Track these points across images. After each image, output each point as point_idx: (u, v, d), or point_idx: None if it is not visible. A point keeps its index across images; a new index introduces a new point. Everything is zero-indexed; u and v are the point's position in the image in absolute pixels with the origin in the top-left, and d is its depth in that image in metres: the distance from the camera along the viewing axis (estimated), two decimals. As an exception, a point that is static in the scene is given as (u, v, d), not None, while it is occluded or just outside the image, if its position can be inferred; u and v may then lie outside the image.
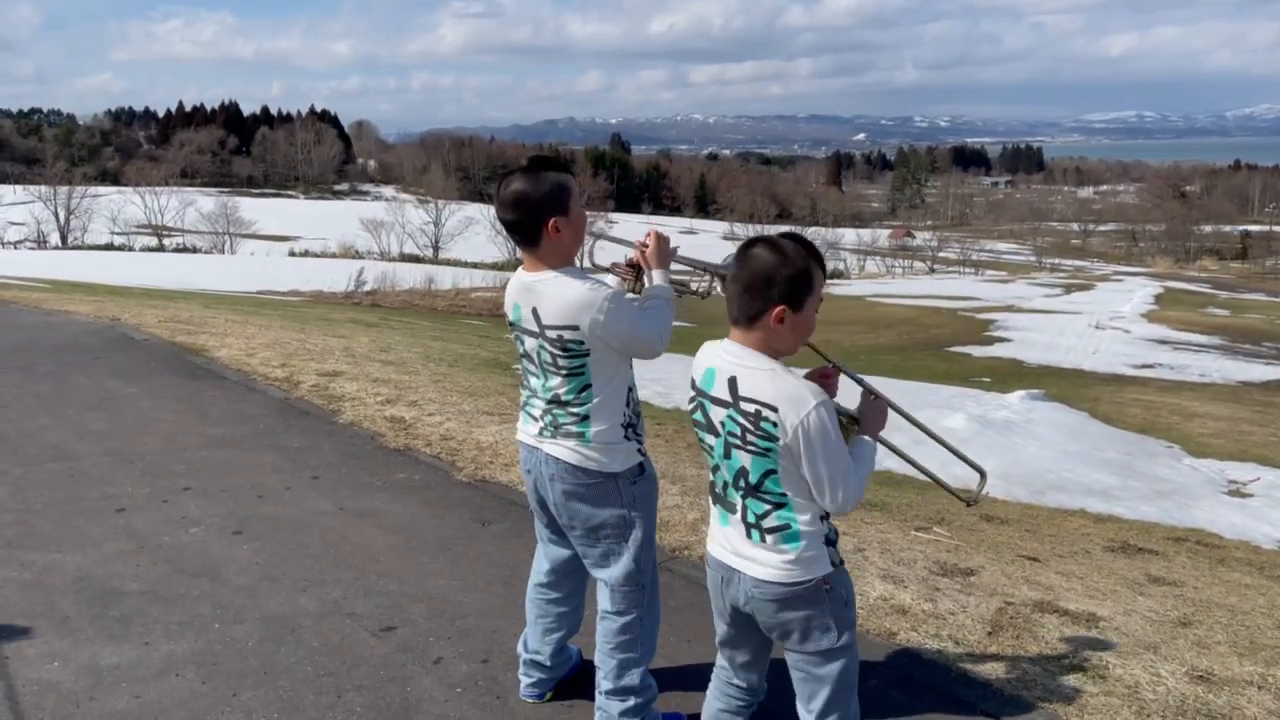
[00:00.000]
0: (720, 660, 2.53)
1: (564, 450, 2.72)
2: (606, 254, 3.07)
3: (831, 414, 2.17)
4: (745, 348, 2.22)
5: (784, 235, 2.24)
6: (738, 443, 2.22)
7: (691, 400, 2.34)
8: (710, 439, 2.30)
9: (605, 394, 2.69)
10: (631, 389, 2.78)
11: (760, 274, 2.16)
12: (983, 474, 2.77)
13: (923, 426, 2.80)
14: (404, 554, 4.23)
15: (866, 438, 2.35)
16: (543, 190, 2.61)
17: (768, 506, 2.24)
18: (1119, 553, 5.24)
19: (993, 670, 3.31)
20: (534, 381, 2.79)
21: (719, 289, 2.83)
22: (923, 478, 2.92)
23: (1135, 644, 3.61)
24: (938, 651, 3.44)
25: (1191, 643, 3.71)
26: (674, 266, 2.88)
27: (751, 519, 2.26)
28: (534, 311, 2.68)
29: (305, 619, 3.58)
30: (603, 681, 2.84)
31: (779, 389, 2.15)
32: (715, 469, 2.33)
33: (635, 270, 2.84)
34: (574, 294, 2.60)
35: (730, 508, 2.31)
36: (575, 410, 2.70)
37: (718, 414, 2.25)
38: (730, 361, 2.23)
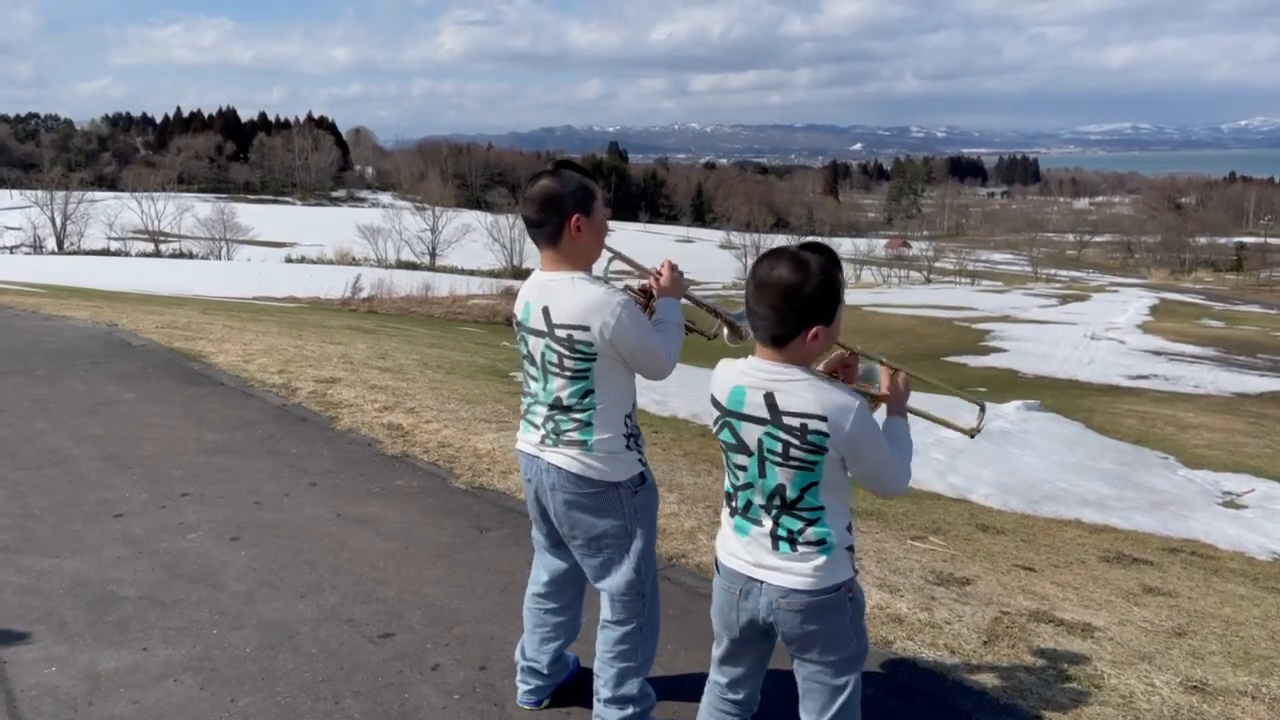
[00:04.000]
0: (714, 676, 2.51)
1: (565, 459, 2.72)
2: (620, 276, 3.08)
3: (869, 412, 2.20)
4: (775, 363, 2.19)
5: (802, 247, 2.20)
6: (778, 459, 2.19)
7: (717, 420, 2.29)
8: (742, 458, 2.26)
9: (608, 402, 2.69)
10: (633, 403, 2.79)
11: (790, 297, 2.12)
12: (982, 406, 2.81)
13: (925, 379, 2.86)
14: (402, 561, 4.23)
15: (898, 417, 2.38)
16: (568, 188, 2.65)
17: (803, 523, 2.23)
18: (1114, 563, 5.26)
19: (988, 679, 3.33)
20: (534, 385, 2.79)
21: (725, 335, 2.86)
22: (918, 487, 2.94)
23: (1130, 654, 3.63)
24: (934, 660, 3.45)
25: (1186, 653, 3.73)
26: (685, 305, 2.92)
27: (783, 533, 2.24)
28: (545, 310, 2.68)
29: (303, 625, 3.59)
30: (601, 690, 2.84)
31: (823, 399, 2.14)
32: (742, 486, 2.29)
33: (646, 296, 2.84)
34: (589, 295, 2.61)
35: (754, 521, 2.28)
36: (577, 416, 2.70)
37: (753, 432, 2.21)
38: (762, 378, 2.19)
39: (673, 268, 2.86)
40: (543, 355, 2.72)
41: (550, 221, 2.65)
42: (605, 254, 2.89)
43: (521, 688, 3.09)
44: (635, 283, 2.91)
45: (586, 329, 2.60)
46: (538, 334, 2.71)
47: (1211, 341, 28.09)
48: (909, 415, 2.65)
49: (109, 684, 3.15)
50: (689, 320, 2.93)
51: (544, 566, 3.05)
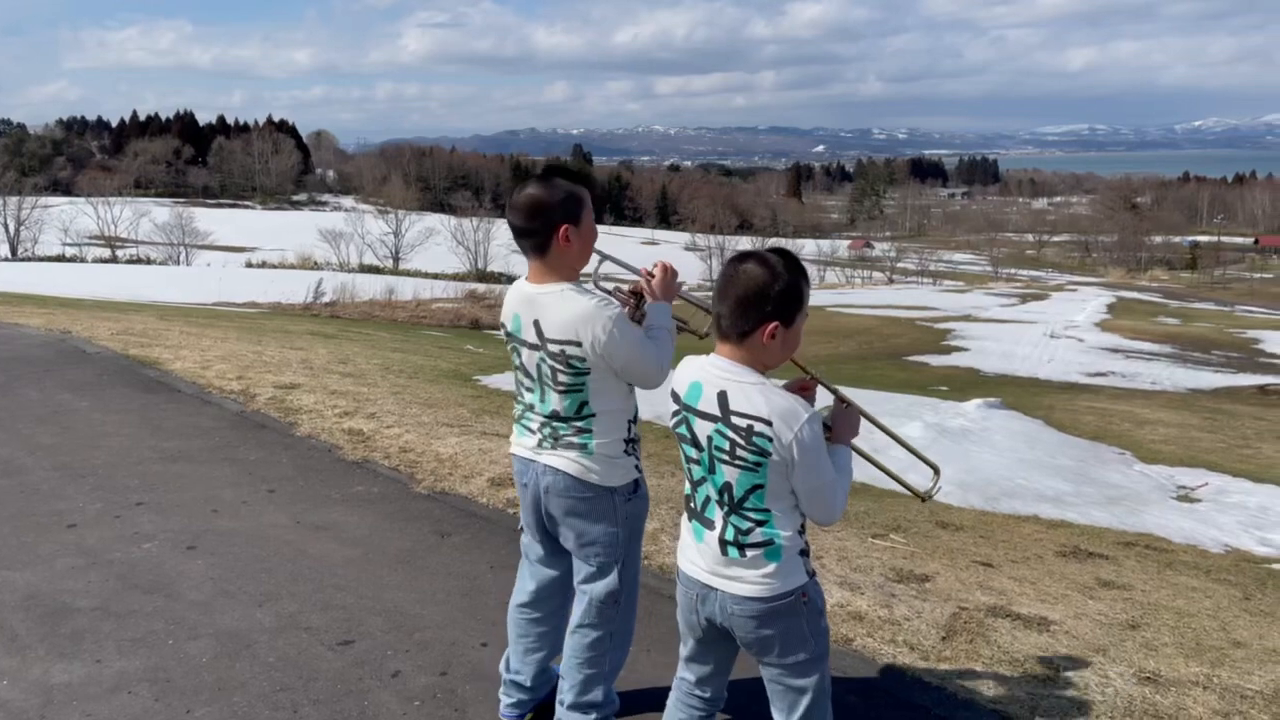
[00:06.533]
0: (682, 674, 2.54)
1: (565, 461, 2.69)
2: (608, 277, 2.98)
3: (820, 427, 2.20)
4: (734, 363, 2.22)
5: (771, 250, 2.25)
6: (725, 458, 2.22)
7: (675, 414, 2.33)
8: (694, 453, 2.29)
9: (605, 412, 2.66)
10: (635, 411, 2.76)
11: (752, 290, 2.17)
12: (937, 470, 2.82)
13: (886, 429, 2.84)
14: (362, 567, 4.20)
15: (842, 446, 2.37)
16: (557, 197, 2.59)
17: (750, 523, 2.24)
18: (1070, 557, 5.33)
19: (947, 675, 3.36)
20: (530, 396, 2.75)
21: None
22: (880, 485, 2.98)
23: (1085, 647, 3.69)
24: (893, 657, 3.48)
25: (1139, 645, 3.79)
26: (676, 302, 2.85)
27: (731, 536, 2.26)
28: (536, 324, 2.64)
29: (261, 634, 3.55)
30: (566, 694, 2.82)
31: (772, 403, 2.16)
32: (696, 484, 2.32)
33: (637, 298, 2.79)
34: (579, 308, 2.57)
35: (707, 524, 2.31)
36: (576, 424, 2.68)
37: (704, 428, 2.25)
38: (718, 376, 2.23)
39: (665, 269, 2.78)
40: (538, 369, 2.68)
41: (538, 232, 2.60)
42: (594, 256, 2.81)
43: (504, 700, 3.05)
44: (625, 285, 2.84)
45: (578, 344, 2.56)
46: (531, 347, 2.67)
47: (1167, 339, 28.59)
48: (865, 459, 2.65)
49: (62, 697, 3.09)
50: (680, 320, 2.86)
51: (531, 576, 2.98)
